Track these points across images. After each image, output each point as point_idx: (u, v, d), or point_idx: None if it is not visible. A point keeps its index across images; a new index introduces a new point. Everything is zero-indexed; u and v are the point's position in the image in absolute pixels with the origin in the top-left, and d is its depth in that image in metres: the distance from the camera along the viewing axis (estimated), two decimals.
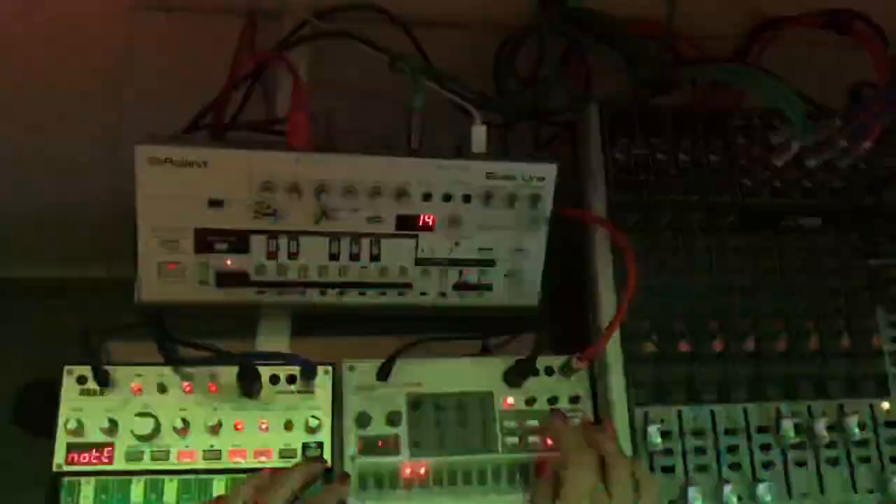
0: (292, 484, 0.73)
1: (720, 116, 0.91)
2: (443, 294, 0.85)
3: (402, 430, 0.81)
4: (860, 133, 0.84)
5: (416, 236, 0.82)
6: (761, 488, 0.81)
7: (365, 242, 0.82)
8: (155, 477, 0.77)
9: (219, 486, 0.77)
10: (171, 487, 0.77)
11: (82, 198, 0.89)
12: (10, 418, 0.98)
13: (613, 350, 0.83)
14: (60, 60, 0.90)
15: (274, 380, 0.81)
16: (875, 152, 0.90)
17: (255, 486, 0.72)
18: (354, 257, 0.82)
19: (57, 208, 0.91)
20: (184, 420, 0.78)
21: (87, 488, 0.76)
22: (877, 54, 0.86)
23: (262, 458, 0.79)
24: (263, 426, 0.79)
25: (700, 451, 0.82)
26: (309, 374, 0.81)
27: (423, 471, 0.80)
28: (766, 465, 0.83)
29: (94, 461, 0.76)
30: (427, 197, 0.81)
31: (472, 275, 0.85)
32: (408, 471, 0.80)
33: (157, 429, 0.78)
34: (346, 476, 0.78)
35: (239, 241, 0.79)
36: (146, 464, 0.77)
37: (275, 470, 0.75)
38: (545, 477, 0.78)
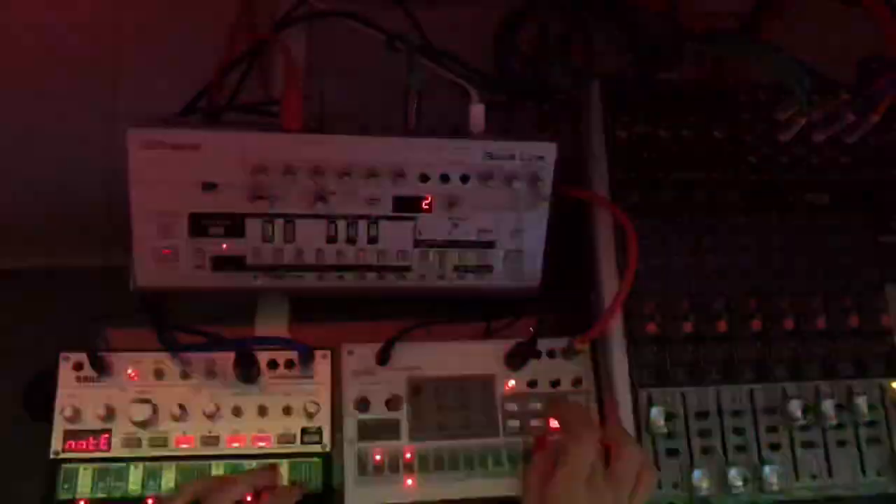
0: (241, 489, 0.74)
1: (725, 92, 0.89)
2: (442, 276, 0.84)
3: (402, 415, 0.80)
4: (868, 106, 0.82)
5: (414, 218, 0.81)
6: (768, 470, 0.79)
7: (362, 225, 0.81)
8: (153, 463, 0.76)
9: (217, 472, 0.77)
10: (169, 473, 0.76)
11: (76, 185, 0.88)
12: (22, 407, 0.98)
13: (616, 331, 0.82)
14: (54, 46, 0.90)
15: (272, 365, 0.80)
16: (883, 127, 0.88)
17: (204, 486, 0.73)
18: (352, 240, 0.81)
19: (50, 196, 0.91)
20: (181, 406, 0.77)
21: (85, 475, 0.75)
22: (886, 25, 0.84)
23: (261, 444, 0.78)
24: (262, 411, 0.79)
25: (705, 433, 0.81)
26: (307, 358, 0.80)
27: (423, 455, 0.79)
28: (773, 447, 0.81)
29: (92, 448, 0.76)
30: (424, 178, 0.80)
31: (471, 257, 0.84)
32: (408, 455, 0.79)
33: (154, 415, 0.77)
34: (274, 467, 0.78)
35: (234, 225, 0.79)
36: (144, 450, 0.77)
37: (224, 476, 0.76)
38: (544, 452, 0.76)
